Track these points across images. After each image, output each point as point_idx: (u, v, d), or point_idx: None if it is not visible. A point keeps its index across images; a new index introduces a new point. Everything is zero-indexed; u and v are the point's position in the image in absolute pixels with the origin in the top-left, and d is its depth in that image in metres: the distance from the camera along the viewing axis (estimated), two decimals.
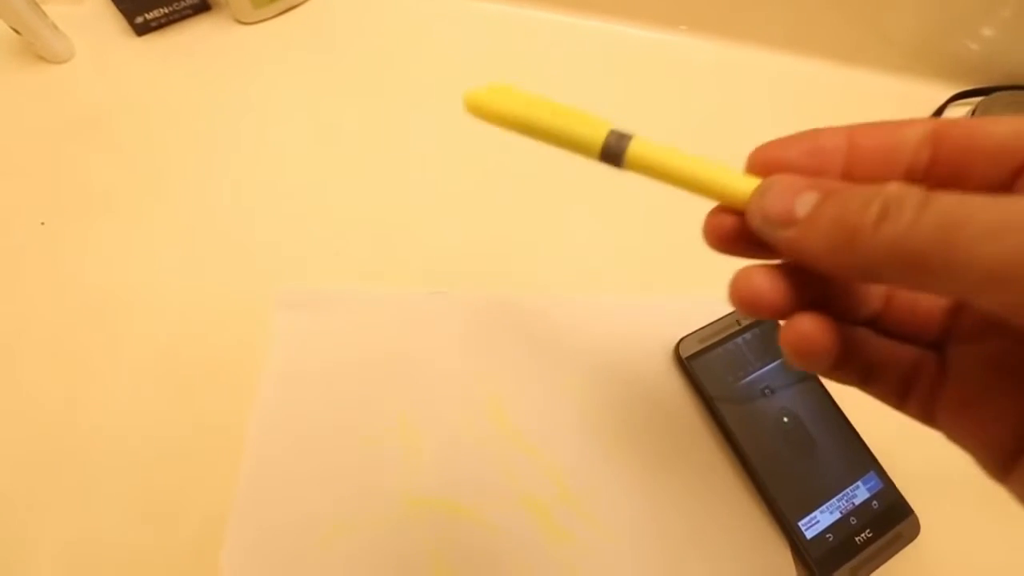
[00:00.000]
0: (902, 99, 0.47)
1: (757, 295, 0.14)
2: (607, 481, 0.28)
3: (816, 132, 0.15)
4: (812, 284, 0.14)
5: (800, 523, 0.27)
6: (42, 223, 0.33)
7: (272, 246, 0.33)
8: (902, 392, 0.15)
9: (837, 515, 0.28)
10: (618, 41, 0.46)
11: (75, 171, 0.35)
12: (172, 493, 0.27)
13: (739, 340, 0.31)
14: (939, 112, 0.46)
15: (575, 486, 0.28)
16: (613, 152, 0.16)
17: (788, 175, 0.14)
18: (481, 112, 0.17)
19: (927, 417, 0.15)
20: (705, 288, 0.30)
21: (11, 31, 0.37)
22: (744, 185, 0.15)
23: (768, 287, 0.14)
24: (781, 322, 0.14)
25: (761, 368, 0.31)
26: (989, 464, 0.14)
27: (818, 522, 0.27)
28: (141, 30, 0.41)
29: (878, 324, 0.16)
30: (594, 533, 0.27)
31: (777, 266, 0.14)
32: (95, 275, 0.31)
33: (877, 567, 0.27)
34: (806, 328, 0.14)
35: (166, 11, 0.41)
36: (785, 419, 0.30)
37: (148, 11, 0.40)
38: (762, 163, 0.15)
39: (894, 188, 0.11)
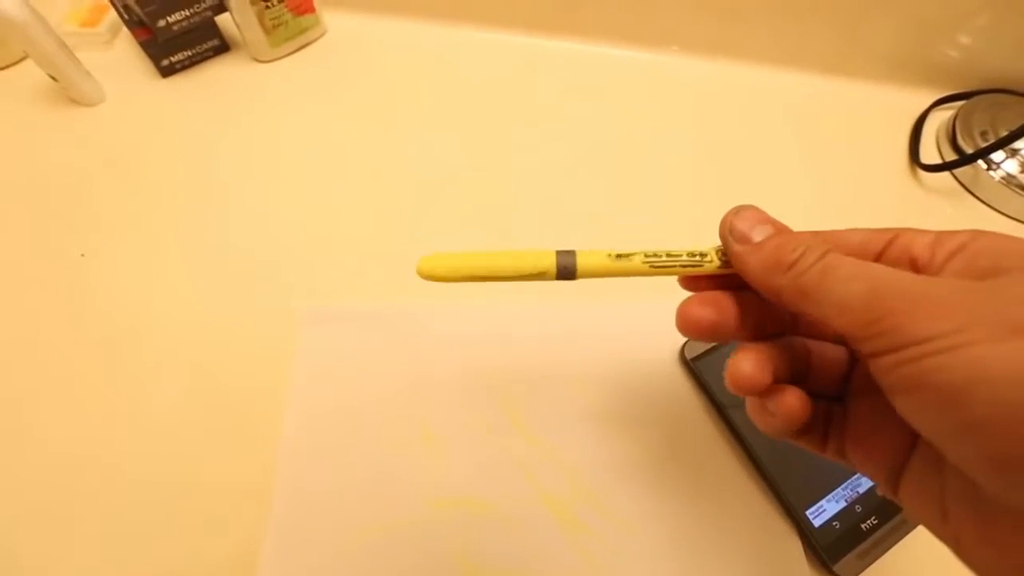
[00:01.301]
0: (887, 106, 0.49)
1: (748, 378, 0.18)
2: (622, 478, 0.30)
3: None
4: (773, 359, 0.18)
5: (808, 512, 0.29)
6: (82, 255, 0.35)
7: (294, 269, 0.35)
8: (823, 440, 0.19)
9: (843, 503, 0.29)
10: (613, 63, 0.49)
11: (109, 205, 0.37)
12: (212, 504, 0.28)
13: None
14: (923, 116, 0.48)
15: (592, 484, 0.30)
16: (566, 270, 0.19)
17: (755, 209, 0.19)
18: (437, 278, 0.20)
19: (841, 456, 0.19)
20: None
21: (48, 78, 0.40)
22: (699, 249, 0.20)
23: (753, 370, 0.18)
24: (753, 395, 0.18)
25: None
26: (883, 485, 0.18)
27: (825, 511, 0.29)
28: (166, 72, 0.43)
29: (802, 386, 0.19)
30: (612, 528, 0.29)
31: (754, 351, 0.18)
32: (128, 303, 0.33)
33: (883, 552, 0.28)
34: (793, 402, 0.18)
35: (189, 53, 0.44)
36: None
37: (173, 54, 0.43)
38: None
39: (813, 242, 0.17)
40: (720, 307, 0.19)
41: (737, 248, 0.18)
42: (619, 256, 0.19)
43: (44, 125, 0.40)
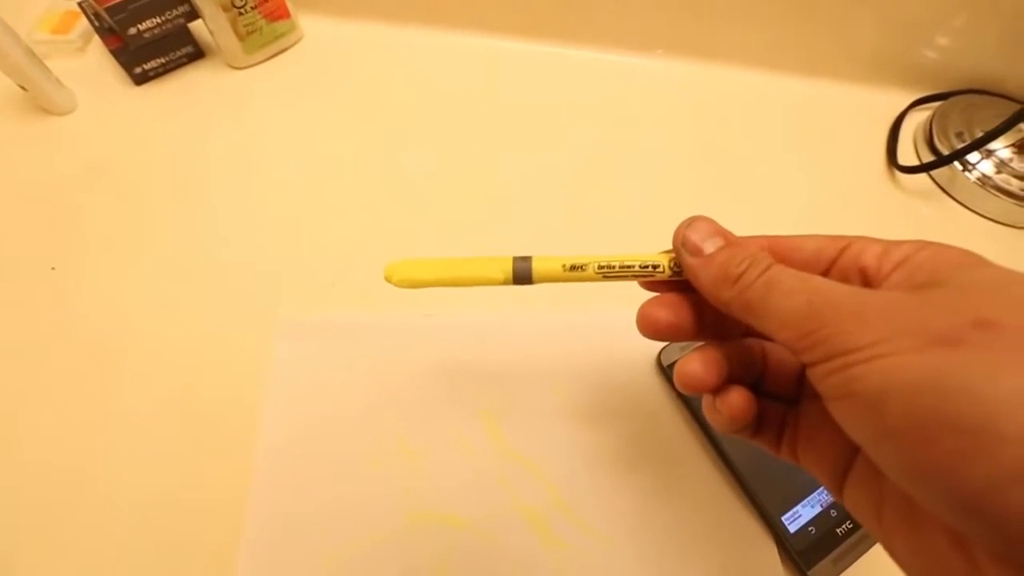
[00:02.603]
0: (866, 107, 0.49)
1: (697, 379, 0.19)
2: (599, 488, 0.30)
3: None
4: (724, 361, 0.19)
5: (783, 518, 0.29)
6: (53, 268, 0.34)
7: (271, 280, 0.35)
8: (777, 441, 0.20)
9: (818, 508, 0.29)
10: (597, 67, 0.49)
11: (81, 216, 0.37)
12: (187, 519, 0.28)
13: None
14: (901, 117, 0.48)
15: (568, 495, 0.30)
16: (522, 275, 0.20)
17: (708, 220, 0.19)
18: (404, 283, 0.21)
19: (793, 457, 0.20)
20: None
21: (17, 87, 0.39)
22: (646, 256, 0.20)
23: (699, 370, 0.19)
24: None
25: None
26: (830, 486, 0.18)
27: (800, 516, 0.29)
28: (139, 79, 0.43)
29: (759, 387, 0.20)
30: (588, 539, 0.29)
31: (703, 352, 0.19)
32: (101, 317, 0.33)
33: (858, 557, 0.28)
34: (737, 401, 0.19)
35: (163, 60, 0.43)
36: None
37: (146, 62, 0.42)
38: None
39: (758, 256, 0.17)
40: (678, 309, 0.20)
41: (689, 261, 0.19)
42: (574, 267, 0.20)
43: (13, 135, 0.40)
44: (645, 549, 0.29)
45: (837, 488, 0.18)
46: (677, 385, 0.19)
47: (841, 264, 0.17)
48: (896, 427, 0.13)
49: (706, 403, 0.20)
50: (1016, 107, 0.39)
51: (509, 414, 0.31)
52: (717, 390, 0.19)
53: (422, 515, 0.28)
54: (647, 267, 0.20)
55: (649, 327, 0.20)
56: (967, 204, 0.43)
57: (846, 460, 0.17)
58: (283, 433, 0.30)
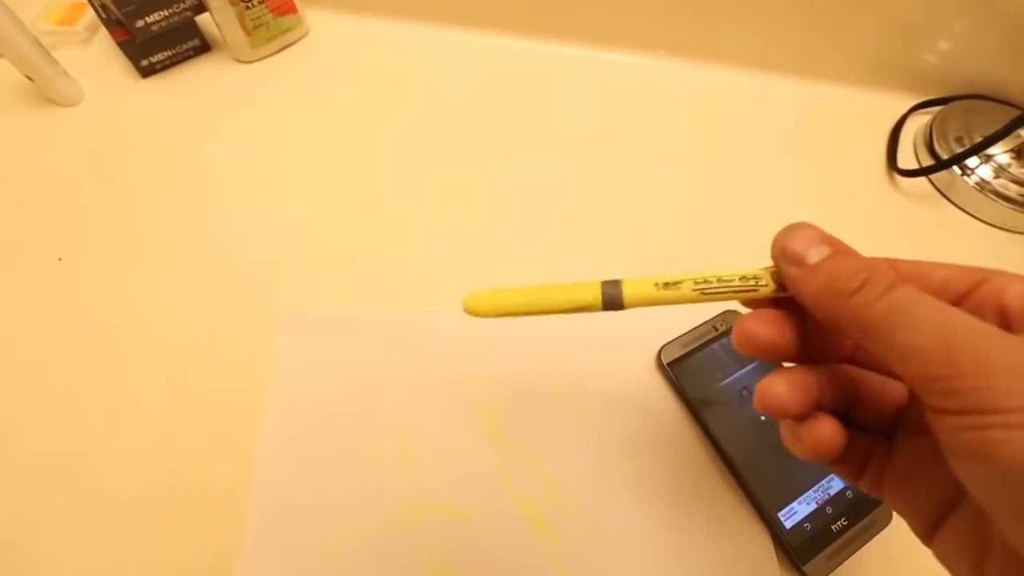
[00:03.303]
0: (867, 111, 0.49)
1: (781, 402, 0.17)
2: (597, 483, 0.30)
3: None
4: (813, 385, 0.17)
5: (779, 514, 0.29)
6: (60, 259, 0.34)
7: (275, 274, 0.35)
8: (858, 471, 0.19)
9: (814, 505, 0.30)
10: (600, 67, 0.49)
11: (87, 208, 0.37)
12: (190, 511, 0.28)
13: (717, 345, 0.33)
14: (901, 121, 0.48)
15: (566, 488, 0.30)
16: (612, 301, 0.18)
17: (810, 226, 0.17)
18: (482, 312, 0.20)
19: (876, 490, 0.19)
20: None
21: (24, 78, 0.39)
22: (746, 269, 0.18)
23: (788, 394, 0.17)
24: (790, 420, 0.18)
25: (739, 370, 0.33)
26: (918, 529, 0.17)
27: (796, 513, 0.29)
28: (146, 72, 0.43)
29: (849, 417, 0.19)
30: (585, 531, 0.29)
31: (791, 373, 0.18)
32: (106, 307, 0.33)
33: (853, 552, 0.29)
34: (826, 432, 0.17)
35: (169, 53, 0.43)
36: (763, 417, 0.31)
37: (152, 54, 0.42)
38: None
39: (877, 269, 0.15)
40: (780, 327, 0.18)
41: (791, 271, 0.17)
42: (667, 284, 0.18)
43: (20, 125, 0.40)
44: (641, 544, 0.29)
45: (927, 533, 0.17)
46: (757, 406, 0.17)
47: (975, 299, 0.16)
48: None
49: (785, 429, 0.18)
50: (1016, 112, 0.39)
51: (509, 409, 0.32)
52: (801, 416, 0.17)
53: (422, 507, 0.29)
54: (748, 280, 0.18)
55: (746, 342, 0.18)
56: (965, 208, 0.44)
57: (944, 507, 0.16)
58: (285, 424, 0.30)
